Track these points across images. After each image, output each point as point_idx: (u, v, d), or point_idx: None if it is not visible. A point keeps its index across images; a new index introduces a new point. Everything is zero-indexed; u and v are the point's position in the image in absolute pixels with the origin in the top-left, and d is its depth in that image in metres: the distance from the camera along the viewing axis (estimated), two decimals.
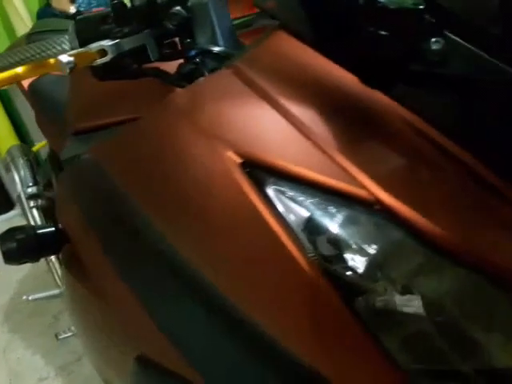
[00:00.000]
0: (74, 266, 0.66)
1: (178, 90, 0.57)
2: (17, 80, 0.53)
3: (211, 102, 0.36)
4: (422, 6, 0.28)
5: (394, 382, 0.31)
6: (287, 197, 0.32)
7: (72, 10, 2.57)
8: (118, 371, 0.56)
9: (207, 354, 0.39)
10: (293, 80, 0.34)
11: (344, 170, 0.31)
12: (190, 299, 0.40)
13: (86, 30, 0.57)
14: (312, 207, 0.31)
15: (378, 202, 0.30)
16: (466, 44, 0.30)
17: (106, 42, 0.53)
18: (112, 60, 0.54)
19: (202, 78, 0.41)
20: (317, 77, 0.34)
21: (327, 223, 0.31)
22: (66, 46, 0.59)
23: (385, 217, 0.30)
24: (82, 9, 2.61)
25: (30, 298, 1.29)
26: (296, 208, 0.31)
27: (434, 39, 0.30)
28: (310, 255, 0.31)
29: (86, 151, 0.54)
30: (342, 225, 0.31)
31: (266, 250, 0.32)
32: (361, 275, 0.31)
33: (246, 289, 0.33)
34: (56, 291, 1.33)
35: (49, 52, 0.59)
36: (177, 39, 0.59)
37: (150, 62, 0.58)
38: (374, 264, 0.31)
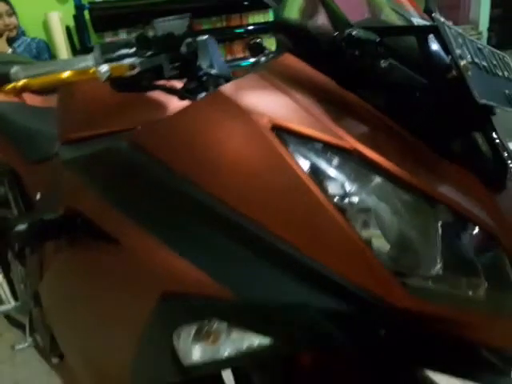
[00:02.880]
0: (81, 244, 0.76)
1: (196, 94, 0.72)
2: (61, 82, 0.67)
3: (249, 93, 0.54)
4: (377, 40, 0.50)
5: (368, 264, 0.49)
6: (300, 148, 0.50)
7: (9, 53, 2.63)
8: (133, 323, 0.64)
9: (232, 269, 0.52)
10: (297, 82, 0.54)
11: (335, 131, 0.50)
12: (214, 228, 0.53)
13: (110, 51, 0.73)
14: (315, 154, 0.50)
15: (355, 150, 0.50)
16: (399, 64, 0.52)
17: (136, 60, 0.69)
18: (136, 74, 0.69)
19: (236, 79, 0.58)
20: (312, 81, 0.54)
21: (323, 163, 0.50)
22: (90, 63, 0.74)
23: (359, 159, 0.50)
24: (20, 49, 2.68)
25: None
26: (305, 155, 0.50)
27: (383, 60, 0.52)
28: (316, 184, 0.49)
29: (117, 141, 0.68)
30: (332, 164, 0.50)
31: (287, 182, 0.49)
32: (343, 197, 0.50)
33: (270, 211, 0.49)
34: (7, 306, 1.33)
35: (75, 66, 0.73)
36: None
37: (160, 79, 0.75)
38: (350, 190, 0.50)
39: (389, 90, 0.53)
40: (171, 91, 0.75)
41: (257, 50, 0.80)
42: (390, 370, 0.59)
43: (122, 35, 3.47)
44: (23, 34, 2.78)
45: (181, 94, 0.74)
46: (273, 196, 0.50)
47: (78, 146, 0.86)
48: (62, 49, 3.01)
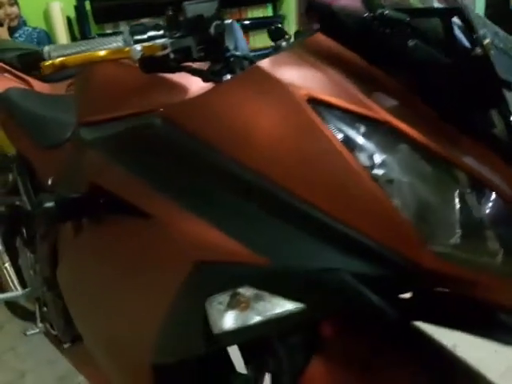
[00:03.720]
0: (106, 221, 0.79)
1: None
2: (97, 60, 0.69)
3: (285, 68, 0.57)
4: (407, 19, 0.54)
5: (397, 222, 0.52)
6: (335, 120, 0.54)
7: None
8: (163, 295, 0.65)
9: (266, 236, 0.55)
10: (330, 59, 0.58)
11: (367, 104, 0.53)
12: (247, 198, 0.56)
13: (138, 33, 0.76)
14: (349, 125, 0.54)
15: (387, 122, 0.53)
16: (424, 44, 0.56)
17: (166, 40, 0.72)
18: (167, 54, 0.72)
19: (270, 57, 0.61)
20: (343, 58, 0.58)
21: (355, 133, 0.53)
22: (120, 44, 0.76)
23: (389, 130, 0.53)
24: (21, 39, 2.68)
25: None
26: (340, 126, 0.54)
27: (410, 40, 0.55)
28: (350, 153, 0.52)
29: (148, 115, 0.70)
30: (365, 134, 0.53)
31: (322, 151, 0.52)
32: (374, 166, 0.53)
33: (305, 179, 0.52)
34: (16, 293, 1.34)
35: (106, 46, 0.75)
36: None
37: (188, 61, 0.78)
38: (381, 160, 0.54)
39: (415, 68, 0.56)
40: (196, 72, 0.78)
41: (277, 35, 0.83)
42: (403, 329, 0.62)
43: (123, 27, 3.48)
44: (24, 23, 2.78)
45: (205, 76, 0.77)
46: (308, 165, 0.53)
47: (101, 127, 0.87)
48: (63, 39, 3.01)
